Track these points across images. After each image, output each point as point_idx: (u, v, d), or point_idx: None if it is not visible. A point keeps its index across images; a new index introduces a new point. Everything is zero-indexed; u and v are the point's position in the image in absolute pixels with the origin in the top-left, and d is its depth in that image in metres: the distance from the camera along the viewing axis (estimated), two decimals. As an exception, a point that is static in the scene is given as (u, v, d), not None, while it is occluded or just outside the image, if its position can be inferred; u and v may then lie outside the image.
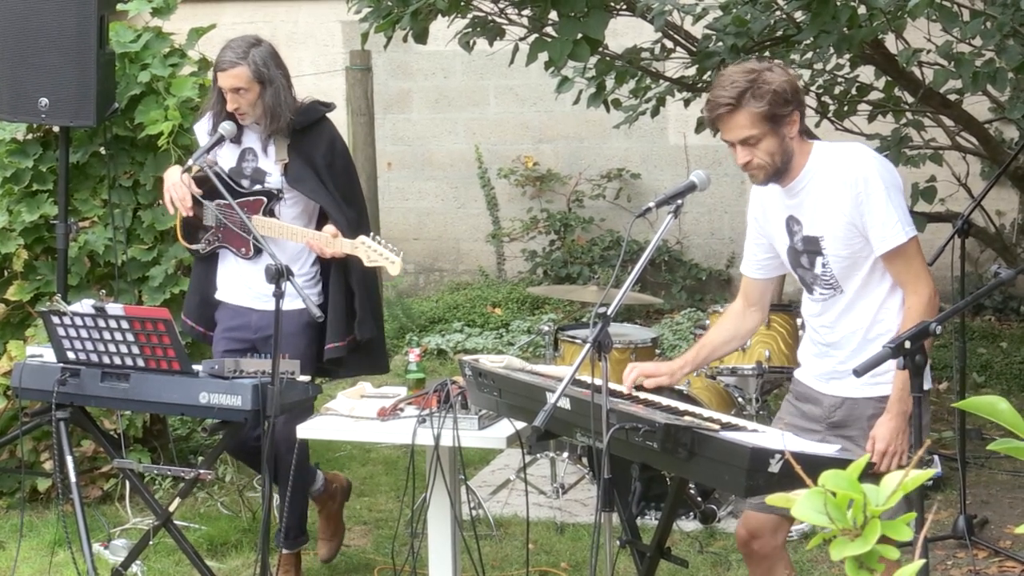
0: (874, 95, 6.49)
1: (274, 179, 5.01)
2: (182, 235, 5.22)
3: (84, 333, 4.57)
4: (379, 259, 4.86)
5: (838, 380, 3.88)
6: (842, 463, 2.59)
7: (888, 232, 3.71)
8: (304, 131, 5.02)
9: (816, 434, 3.87)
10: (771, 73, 3.71)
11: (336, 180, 5.06)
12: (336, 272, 5.05)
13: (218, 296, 5.15)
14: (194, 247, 5.18)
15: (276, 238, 4.95)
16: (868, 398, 3.83)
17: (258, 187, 5.01)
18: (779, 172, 3.78)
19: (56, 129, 5.92)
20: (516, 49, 5.96)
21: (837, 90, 6.49)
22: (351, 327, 5.08)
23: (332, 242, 4.90)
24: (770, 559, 4.02)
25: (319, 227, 5.04)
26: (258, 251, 4.97)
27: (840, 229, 3.75)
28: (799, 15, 5.62)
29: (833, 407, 3.90)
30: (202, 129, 5.12)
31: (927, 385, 3.73)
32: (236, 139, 5.01)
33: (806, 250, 3.86)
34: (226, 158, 5.05)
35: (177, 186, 4.96)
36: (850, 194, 3.71)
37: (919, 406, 3.50)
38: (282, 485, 4.79)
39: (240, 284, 5.08)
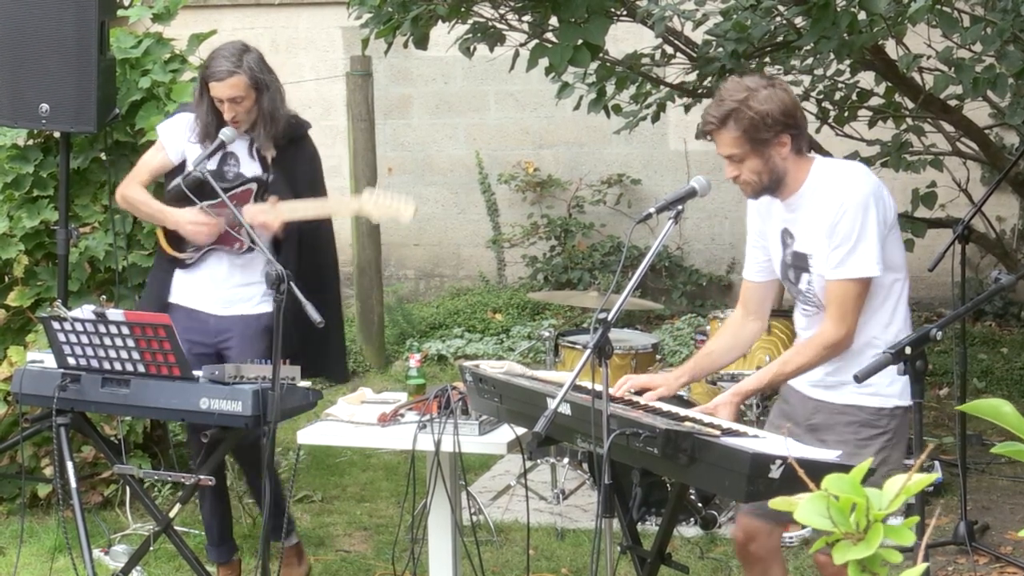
0: (874, 101, 6.49)
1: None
2: (167, 243, 5.04)
3: (84, 339, 4.57)
4: (389, 209, 4.80)
5: (823, 388, 3.93)
6: (844, 468, 2.59)
7: (845, 261, 3.71)
8: (286, 147, 4.96)
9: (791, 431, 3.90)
10: (763, 94, 3.70)
11: (316, 196, 4.99)
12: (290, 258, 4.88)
13: (173, 299, 4.99)
14: (183, 255, 5.01)
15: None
16: (848, 405, 3.86)
17: (247, 175, 4.93)
18: (767, 189, 3.81)
19: (57, 135, 5.92)
20: (516, 55, 5.96)
21: (837, 96, 6.50)
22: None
23: (272, 210, 4.77)
24: (765, 561, 4.05)
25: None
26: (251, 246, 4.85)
27: (825, 250, 3.77)
28: (799, 21, 5.62)
29: (815, 410, 3.94)
30: (172, 132, 4.99)
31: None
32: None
33: (794, 265, 3.88)
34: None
35: (199, 224, 4.83)
36: (832, 214, 3.73)
37: (918, 411, 3.51)
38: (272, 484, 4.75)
39: (205, 286, 4.95)
